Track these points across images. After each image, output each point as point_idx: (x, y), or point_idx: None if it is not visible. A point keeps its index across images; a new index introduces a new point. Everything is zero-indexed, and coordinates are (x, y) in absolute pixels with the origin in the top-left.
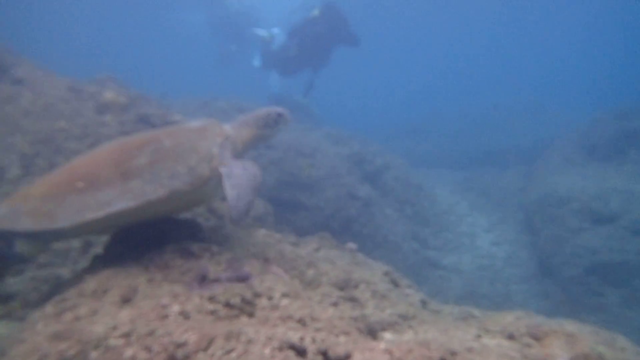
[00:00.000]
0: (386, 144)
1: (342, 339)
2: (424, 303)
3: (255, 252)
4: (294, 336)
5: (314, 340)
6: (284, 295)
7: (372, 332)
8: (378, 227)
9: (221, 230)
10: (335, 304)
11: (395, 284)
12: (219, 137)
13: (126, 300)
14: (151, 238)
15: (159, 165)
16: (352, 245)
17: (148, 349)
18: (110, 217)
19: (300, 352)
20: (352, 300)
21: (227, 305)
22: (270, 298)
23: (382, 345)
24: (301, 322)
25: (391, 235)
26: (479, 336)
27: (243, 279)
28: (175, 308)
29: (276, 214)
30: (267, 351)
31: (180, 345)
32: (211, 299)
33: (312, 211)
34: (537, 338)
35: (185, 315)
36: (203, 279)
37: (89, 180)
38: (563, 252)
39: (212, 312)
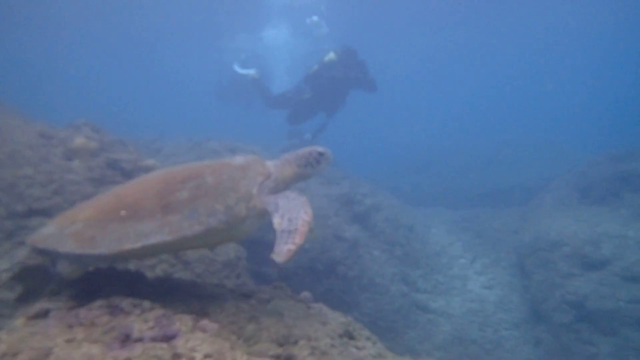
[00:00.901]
0: (391, 181)
1: None
2: (373, 357)
3: (194, 306)
4: None
5: None
6: (207, 356)
7: None
8: (365, 269)
9: (167, 281)
10: None
11: (351, 336)
12: (260, 176)
13: None
14: (85, 292)
15: (198, 201)
16: (307, 294)
17: None
18: (146, 248)
19: None
20: (288, 358)
21: None
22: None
23: None
24: None
25: (378, 278)
26: None
27: (169, 338)
28: None
29: (257, 257)
30: None
31: None
32: None
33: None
34: None
35: None
36: (126, 339)
37: (132, 209)
38: (554, 298)
39: None
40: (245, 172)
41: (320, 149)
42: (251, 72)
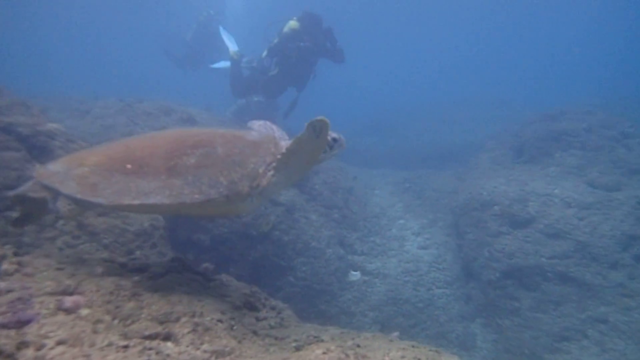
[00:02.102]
0: (347, 143)
1: None
2: (271, 328)
3: (67, 285)
4: None
5: None
6: (60, 342)
7: None
8: (300, 233)
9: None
10: (125, 347)
11: (252, 308)
12: (270, 156)
13: None
14: None
15: (204, 170)
16: (208, 266)
17: None
18: (144, 206)
19: None
20: (167, 337)
21: None
22: (39, 348)
23: None
24: None
25: (314, 242)
26: None
27: (22, 323)
28: None
29: (189, 223)
30: None
31: None
32: None
33: (230, 219)
34: None
35: None
36: None
37: (138, 164)
38: (483, 256)
39: None
40: (256, 149)
41: (334, 134)
42: (233, 49)
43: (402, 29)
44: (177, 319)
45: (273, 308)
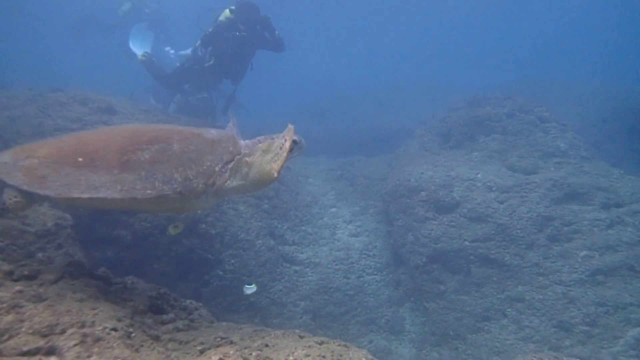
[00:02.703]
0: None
1: None
2: (177, 331)
3: None
4: None
5: None
6: None
7: None
8: (228, 225)
9: None
10: None
11: (157, 310)
12: (228, 154)
13: None
14: None
15: (158, 166)
16: (106, 271)
17: None
18: (93, 200)
19: None
20: (50, 351)
21: None
22: None
23: None
24: None
25: (242, 233)
26: None
27: None
28: None
29: (109, 219)
30: None
31: None
32: None
33: (152, 214)
34: None
35: None
36: None
37: (90, 158)
38: (410, 242)
39: None
40: (213, 147)
41: (294, 137)
42: (138, 53)
43: (342, 14)
44: (63, 331)
45: (183, 309)
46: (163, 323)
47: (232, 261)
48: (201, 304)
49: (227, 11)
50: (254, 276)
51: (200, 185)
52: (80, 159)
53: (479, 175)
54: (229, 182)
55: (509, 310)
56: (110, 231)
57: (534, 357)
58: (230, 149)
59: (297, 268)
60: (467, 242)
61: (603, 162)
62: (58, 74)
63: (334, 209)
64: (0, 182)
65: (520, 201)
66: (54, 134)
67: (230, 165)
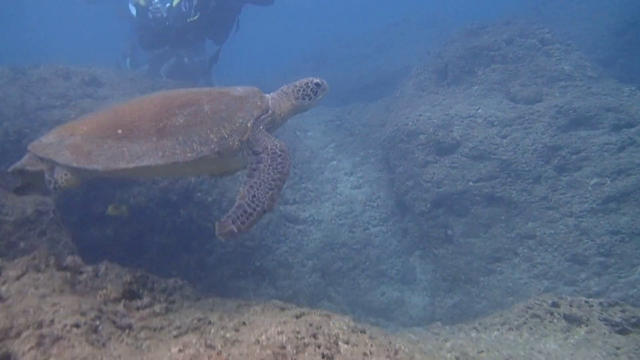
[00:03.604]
0: (281, 81)
1: None
2: (155, 316)
3: None
4: None
5: None
6: None
7: None
8: (225, 191)
9: None
10: None
11: (133, 296)
12: (257, 109)
13: None
14: None
15: (193, 129)
16: (76, 259)
17: None
18: (138, 169)
19: None
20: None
21: None
22: None
23: None
24: None
25: None
26: None
27: None
28: None
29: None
30: None
31: None
32: None
33: (145, 186)
34: None
35: None
36: None
37: (129, 128)
38: (412, 188)
39: None
40: (242, 104)
41: (317, 79)
42: None
43: None
44: (18, 334)
45: (163, 290)
46: (138, 309)
47: None
48: (186, 282)
49: None
50: (257, 240)
51: (236, 143)
52: (119, 131)
53: (479, 111)
54: (259, 142)
55: (520, 248)
56: (106, 208)
57: (537, 299)
58: (258, 103)
59: (300, 227)
60: (471, 183)
61: (612, 81)
62: (47, 46)
63: (334, 162)
64: (50, 162)
65: (524, 133)
66: (37, 113)
67: (261, 119)
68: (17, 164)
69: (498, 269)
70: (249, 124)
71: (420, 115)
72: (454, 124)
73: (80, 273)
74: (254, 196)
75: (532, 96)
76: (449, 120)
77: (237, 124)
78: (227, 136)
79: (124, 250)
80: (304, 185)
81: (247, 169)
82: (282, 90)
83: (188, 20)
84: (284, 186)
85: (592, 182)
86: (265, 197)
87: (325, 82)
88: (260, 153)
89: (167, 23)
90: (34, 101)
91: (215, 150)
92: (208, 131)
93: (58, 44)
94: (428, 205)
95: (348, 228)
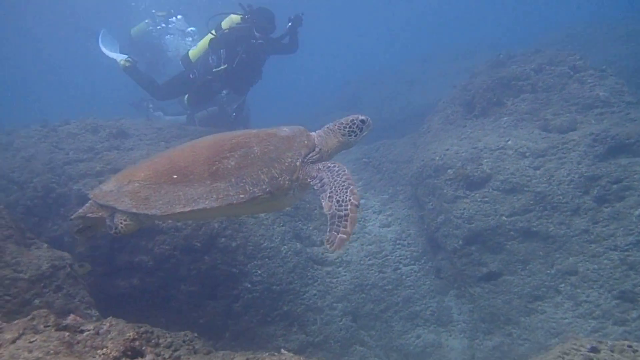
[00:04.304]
0: (316, 122)
1: None
2: None
3: None
4: None
5: None
6: None
7: None
8: (249, 235)
9: None
10: None
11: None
12: (305, 148)
13: None
14: None
15: (245, 170)
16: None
17: None
18: (195, 212)
19: None
20: None
21: None
22: None
23: None
24: None
25: (265, 241)
26: None
27: None
28: None
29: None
30: None
31: None
32: None
33: (169, 234)
34: None
35: None
36: None
37: (183, 173)
38: (444, 225)
39: None
40: (290, 144)
41: (362, 116)
42: (120, 58)
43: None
44: None
45: (169, 346)
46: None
47: (259, 272)
48: (196, 335)
49: (233, 16)
50: (284, 283)
51: (287, 182)
52: (175, 176)
53: (509, 142)
54: (311, 172)
55: (562, 285)
56: (132, 258)
57: (574, 343)
58: (305, 142)
59: (328, 269)
60: (504, 217)
61: None
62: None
63: (362, 201)
64: (110, 209)
65: (559, 163)
66: (64, 167)
67: (309, 157)
68: (80, 211)
69: (539, 308)
70: (297, 163)
71: (447, 150)
72: (483, 156)
73: (81, 332)
74: (337, 201)
75: (565, 125)
76: (478, 153)
77: (287, 164)
78: (277, 176)
79: (150, 299)
80: None
81: (315, 192)
82: (327, 127)
83: (214, 70)
84: (311, 227)
85: (637, 212)
86: (347, 195)
87: (369, 119)
88: (316, 176)
89: (192, 75)
90: (62, 156)
91: (267, 190)
92: (259, 172)
93: (101, 100)
94: (460, 242)
95: (378, 268)
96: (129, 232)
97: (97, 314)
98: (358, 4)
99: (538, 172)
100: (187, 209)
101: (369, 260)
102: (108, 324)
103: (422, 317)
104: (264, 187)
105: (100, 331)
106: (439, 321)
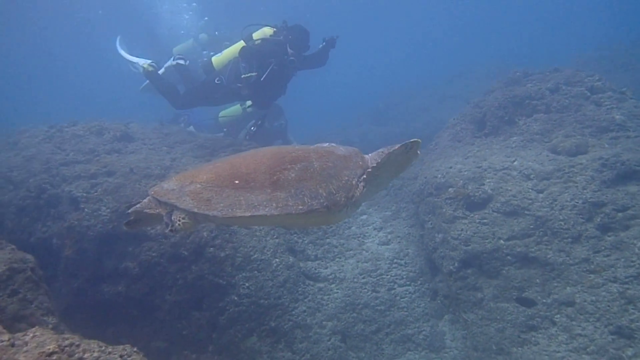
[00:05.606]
0: (340, 135)
1: None
2: None
3: None
4: None
5: None
6: None
7: None
8: (239, 246)
9: None
10: None
11: None
12: (360, 168)
13: None
14: None
15: (304, 183)
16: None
17: None
18: (254, 218)
19: None
20: None
21: None
22: None
23: None
24: None
25: (256, 253)
26: None
27: None
28: None
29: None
30: None
31: None
32: None
33: (157, 241)
34: None
35: None
36: None
37: (245, 179)
38: (441, 245)
39: None
40: (347, 162)
41: (412, 140)
42: (142, 62)
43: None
44: None
45: None
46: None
47: (247, 284)
48: (135, 350)
49: (266, 29)
50: (272, 298)
51: (343, 199)
52: (237, 181)
53: (515, 163)
54: (364, 190)
55: (558, 316)
56: (118, 264)
57: None
58: (360, 162)
59: (321, 285)
60: (502, 241)
61: None
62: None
63: (364, 216)
64: (170, 206)
65: (563, 187)
66: (60, 168)
67: (363, 178)
68: (137, 206)
69: (533, 339)
70: (354, 182)
71: (450, 168)
72: (486, 176)
73: None
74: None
75: (575, 147)
76: (481, 172)
77: (344, 181)
78: (334, 192)
79: (134, 307)
80: (328, 240)
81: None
82: (380, 150)
83: (242, 76)
84: (306, 241)
85: None
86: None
87: (419, 142)
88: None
89: (217, 81)
90: (61, 157)
91: (325, 204)
92: (317, 186)
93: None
94: (456, 264)
95: (372, 287)
96: (185, 231)
97: (55, 321)
98: (395, 17)
99: (541, 195)
100: (248, 214)
101: (363, 278)
102: (31, 334)
103: (414, 342)
104: (321, 201)
105: (16, 342)
106: (431, 347)
